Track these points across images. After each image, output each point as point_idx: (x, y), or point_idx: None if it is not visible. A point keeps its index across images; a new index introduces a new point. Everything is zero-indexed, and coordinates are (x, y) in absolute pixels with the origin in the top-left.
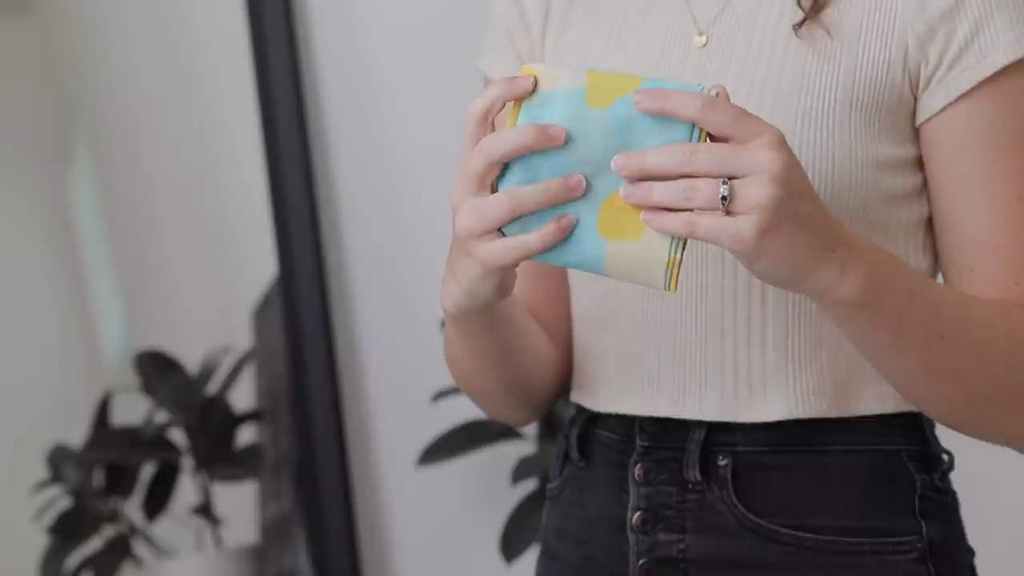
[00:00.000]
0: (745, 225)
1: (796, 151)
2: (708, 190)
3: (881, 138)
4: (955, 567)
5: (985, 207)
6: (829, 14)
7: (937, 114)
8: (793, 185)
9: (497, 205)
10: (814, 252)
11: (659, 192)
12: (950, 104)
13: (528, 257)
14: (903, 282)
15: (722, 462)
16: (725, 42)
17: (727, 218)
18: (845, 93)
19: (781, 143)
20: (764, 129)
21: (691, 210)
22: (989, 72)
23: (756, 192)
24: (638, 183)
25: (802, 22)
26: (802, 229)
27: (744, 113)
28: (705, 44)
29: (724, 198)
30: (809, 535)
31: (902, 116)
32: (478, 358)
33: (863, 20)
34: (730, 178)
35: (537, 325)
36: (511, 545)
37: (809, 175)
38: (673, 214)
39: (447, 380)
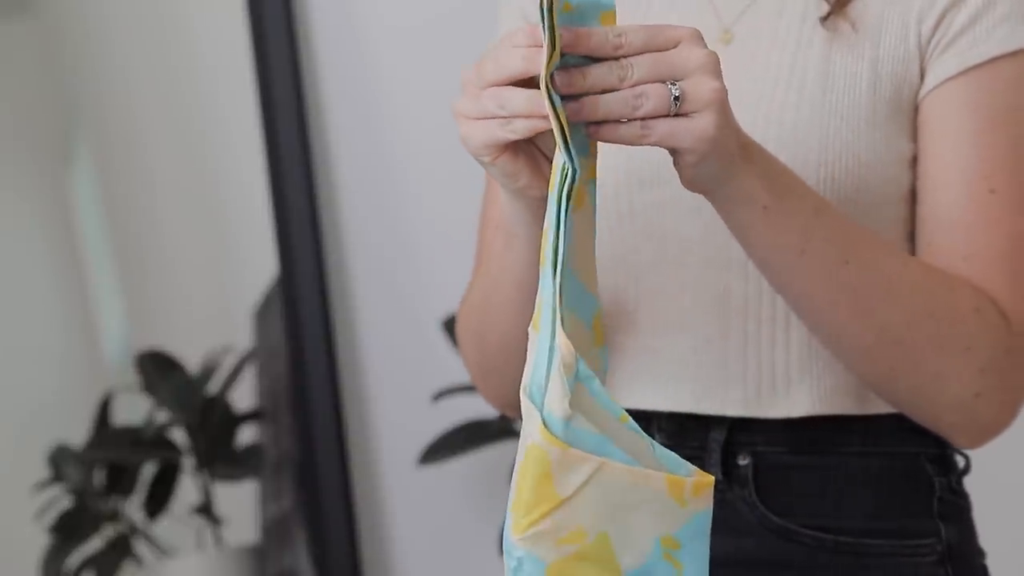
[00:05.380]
0: (705, 122)
1: (822, 147)
2: (658, 93)
3: (903, 133)
4: (972, 568)
5: (951, 185)
6: (854, 7)
7: (926, 95)
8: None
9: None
10: (736, 148)
11: (606, 104)
12: (936, 86)
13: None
14: (808, 196)
15: (743, 462)
16: (750, 38)
17: (683, 119)
18: (870, 87)
19: (700, 38)
20: (679, 32)
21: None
22: (976, 61)
23: (706, 88)
24: (582, 100)
25: (828, 15)
26: (733, 123)
27: (654, 28)
28: (730, 41)
29: (676, 98)
30: (830, 536)
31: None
32: (518, 275)
33: (883, 13)
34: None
35: None
36: None
37: (836, 170)
38: (625, 124)
39: (447, 380)
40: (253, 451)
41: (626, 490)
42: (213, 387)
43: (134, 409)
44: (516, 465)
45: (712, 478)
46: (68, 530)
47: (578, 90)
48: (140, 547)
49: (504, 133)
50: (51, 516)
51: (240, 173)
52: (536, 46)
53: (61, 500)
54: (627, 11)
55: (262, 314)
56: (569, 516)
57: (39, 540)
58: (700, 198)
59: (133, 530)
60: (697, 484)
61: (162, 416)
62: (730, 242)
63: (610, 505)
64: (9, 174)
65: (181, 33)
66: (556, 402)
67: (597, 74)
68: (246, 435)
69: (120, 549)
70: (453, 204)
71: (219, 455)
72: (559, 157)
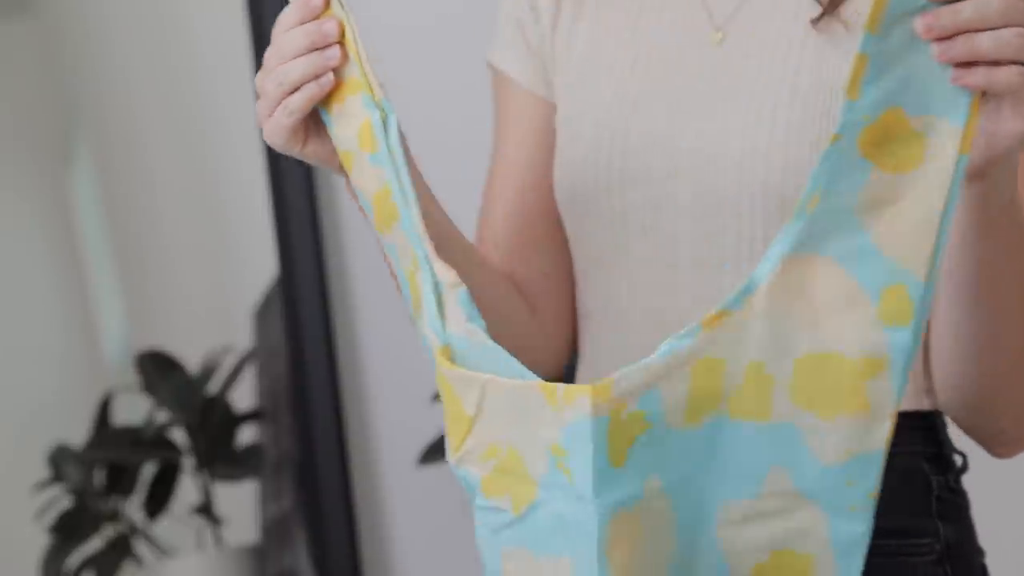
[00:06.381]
0: None
1: (816, 149)
2: None
3: None
4: (970, 568)
5: None
6: (847, 8)
7: None
8: None
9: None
10: None
11: (986, 42)
12: None
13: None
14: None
15: None
16: (742, 38)
17: None
18: None
19: None
20: None
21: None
22: None
23: None
24: (951, 40)
25: (820, 16)
26: None
27: None
28: (722, 40)
29: None
30: None
31: None
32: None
33: None
34: None
35: (501, 284)
36: None
37: None
38: (1003, 67)
39: None
40: (253, 451)
41: (516, 402)
42: (213, 387)
43: (134, 409)
44: None
45: (587, 387)
46: (68, 530)
47: (947, 31)
48: (140, 547)
49: (287, 120)
50: (51, 516)
51: (240, 173)
52: (311, 20)
53: (61, 500)
54: (620, 9)
55: (262, 314)
56: (480, 434)
57: (39, 540)
58: (693, 198)
59: (133, 530)
60: (568, 390)
61: (162, 416)
62: (722, 241)
63: (508, 419)
64: (9, 174)
65: (181, 33)
66: (456, 323)
67: (979, 11)
68: (246, 435)
69: (120, 549)
70: (453, 204)
71: (219, 455)
72: (365, 114)
